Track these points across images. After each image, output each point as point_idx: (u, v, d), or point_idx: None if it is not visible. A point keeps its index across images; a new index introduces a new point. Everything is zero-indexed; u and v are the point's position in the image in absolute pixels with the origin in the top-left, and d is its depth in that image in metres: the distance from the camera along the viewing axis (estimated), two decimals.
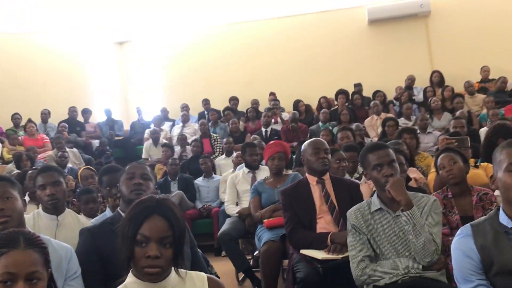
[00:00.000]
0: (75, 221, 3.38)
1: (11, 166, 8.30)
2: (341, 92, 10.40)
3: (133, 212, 1.93)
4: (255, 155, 5.77)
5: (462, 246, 2.00)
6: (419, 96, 10.78)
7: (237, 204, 5.62)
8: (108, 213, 3.57)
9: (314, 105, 11.06)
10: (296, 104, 10.71)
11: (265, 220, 4.49)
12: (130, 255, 1.89)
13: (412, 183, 4.40)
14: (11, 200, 2.41)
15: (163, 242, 1.88)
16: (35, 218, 3.30)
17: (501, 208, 1.99)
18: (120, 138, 10.92)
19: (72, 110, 10.96)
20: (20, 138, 9.62)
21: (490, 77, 10.82)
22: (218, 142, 9.40)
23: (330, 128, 8.51)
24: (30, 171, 5.31)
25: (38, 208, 3.83)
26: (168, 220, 1.90)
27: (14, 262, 1.67)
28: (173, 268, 1.98)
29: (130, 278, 1.97)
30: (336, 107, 10.34)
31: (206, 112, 11.33)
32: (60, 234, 3.21)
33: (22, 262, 1.69)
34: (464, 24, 11.54)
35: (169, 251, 1.90)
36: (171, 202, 1.99)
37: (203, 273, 2.09)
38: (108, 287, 2.51)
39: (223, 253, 6.08)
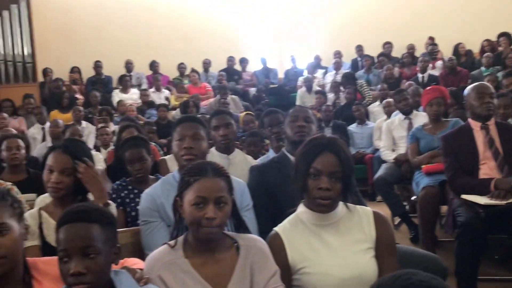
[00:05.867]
0: (243, 160, 3.67)
1: (176, 112, 9.05)
2: (503, 35, 9.68)
3: (306, 148, 2.11)
4: (403, 100, 5.72)
5: None
6: None
7: (393, 150, 5.63)
8: (271, 153, 3.81)
9: (475, 50, 10.43)
10: (456, 47, 10.17)
11: (423, 166, 4.48)
12: (303, 187, 2.08)
13: None
14: (200, 140, 2.68)
15: (333, 176, 2.04)
16: (209, 157, 3.64)
17: None
18: (275, 86, 11.25)
19: (230, 60, 11.49)
20: (185, 86, 10.37)
21: None
22: (365, 89, 9.34)
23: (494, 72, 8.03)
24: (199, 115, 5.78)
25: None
26: (338, 157, 2.05)
27: (205, 187, 1.92)
28: (341, 202, 2.15)
29: (302, 208, 2.17)
30: (500, 51, 9.66)
31: (359, 59, 11.23)
32: (231, 171, 3.52)
33: (211, 187, 1.92)
34: None
35: (339, 185, 2.05)
36: (340, 141, 2.13)
37: (368, 208, 2.23)
38: (275, 220, 2.72)
39: (378, 198, 6.19)
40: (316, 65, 11.29)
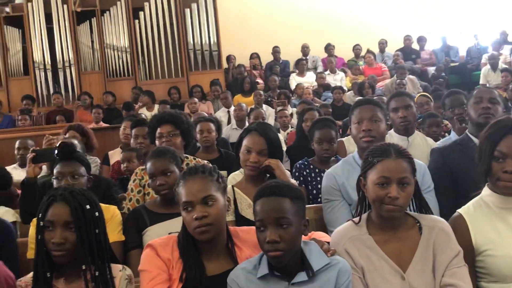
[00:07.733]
0: (423, 142, 3.62)
1: (350, 94, 9.13)
2: None
3: (491, 130, 2.08)
4: None
5: None
6: None
7: None
8: (453, 136, 3.72)
9: None
10: None
11: None
12: (487, 170, 2.06)
13: None
14: (378, 122, 2.76)
15: None
16: (388, 139, 3.67)
17: None
18: (456, 64, 10.75)
19: (407, 38, 11.18)
20: (360, 67, 10.36)
21: None
22: None
23: None
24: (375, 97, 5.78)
25: None
26: None
27: (389, 168, 1.99)
28: None
29: (486, 191, 2.15)
30: None
31: None
32: (411, 153, 3.52)
33: (395, 168, 1.99)
34: None
35: None
36: None
37: None
38: (458, 202, 2.69)
39: None
40: (502, 41, 10.55)
